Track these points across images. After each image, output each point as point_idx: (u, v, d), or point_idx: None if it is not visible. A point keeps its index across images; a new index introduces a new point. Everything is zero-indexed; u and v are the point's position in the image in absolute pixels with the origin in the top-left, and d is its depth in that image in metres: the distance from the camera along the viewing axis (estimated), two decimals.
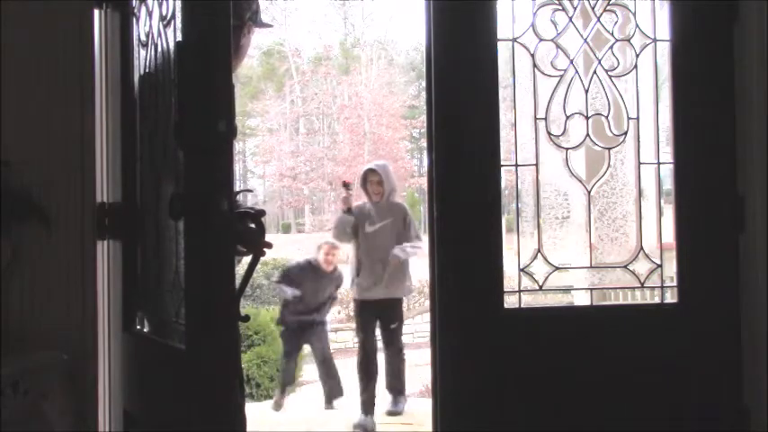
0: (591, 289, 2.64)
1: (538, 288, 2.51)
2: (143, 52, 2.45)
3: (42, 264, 2.43)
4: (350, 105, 23.98)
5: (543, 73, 2.50)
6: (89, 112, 2.49)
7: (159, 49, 2.30)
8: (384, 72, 25.09)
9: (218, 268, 2.05)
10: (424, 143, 17.92)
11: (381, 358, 5.29)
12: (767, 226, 2.47)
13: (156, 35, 2.33)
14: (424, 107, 2.62)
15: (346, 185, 5.16)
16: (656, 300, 2.58)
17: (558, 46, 2.51)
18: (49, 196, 2.42)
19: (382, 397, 5.25)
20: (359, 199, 5.33)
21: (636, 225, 2.58)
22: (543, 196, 2.56)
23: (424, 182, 17.45)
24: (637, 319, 2.57)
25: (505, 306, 2.45)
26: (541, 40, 2.50)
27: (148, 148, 2.43)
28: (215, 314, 2.05)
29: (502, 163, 2.45)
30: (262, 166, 26.01)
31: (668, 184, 2.57)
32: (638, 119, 2.54)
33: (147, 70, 2.41)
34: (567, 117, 2.51)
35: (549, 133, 2.51)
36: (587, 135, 2.52)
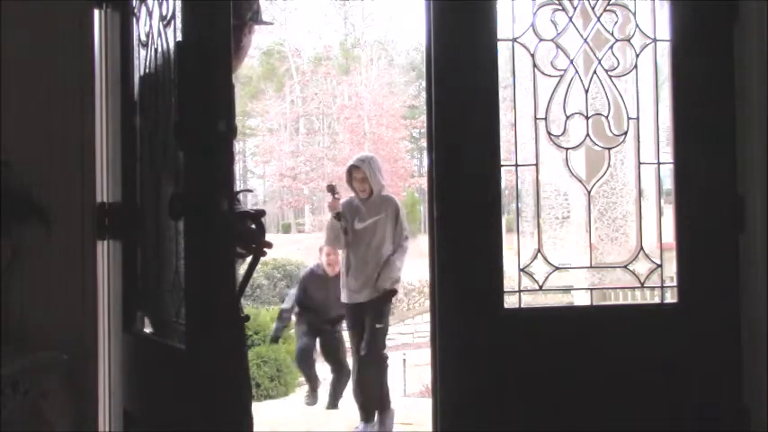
0: (591, 289, 2.64)
1: (538, 288, 2.51)
2: (143, 52, 2.45)
3: (42, 264, 2.43)
4: (350, 105, 24.00)
5: (543, 73, 2.50)
6: (89, 112, 2.49)
7: (159, 49, 2.30)
8: (384, 72, 25.10)
9: (218, 268, 2.05)
10: (423, 143, 17.92)
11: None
12: (767, 226, 2.47)
13: (156, 35, 2.33)
14: (424, 107, 2.62)
15: (332, 190, 4.87)
16: (656, 300, 2.58)
17: (558, 46, 2.51)
18: (49, 196, 2.42)
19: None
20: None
21: (636, 225, 2.58)
22: (543, 196, 2.56)
23: (424, 182, 17.47)
24: (637, 319, 2.57)
25: (505, 306, 2.45)
26: (541, 40, 2.50)
27: (148, 148, 2.43)
28: (215, 314, 2.05)
29: (502, 163, 2.45)
30: (262, 166, 26.04)
31: (668, 184, 2.57)
32: (638, 119, 2.54)
33: (147, 70, 2.41)
34: (567, 117, 2.51)
35: (549, 133, 2.51)
36: (587, 135, 2.52)
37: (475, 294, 2.43)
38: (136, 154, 2.52)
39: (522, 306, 2.51)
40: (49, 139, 2.46)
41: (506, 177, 2.50)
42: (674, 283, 2.54)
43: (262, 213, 2.26)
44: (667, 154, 2.56)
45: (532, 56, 2.49)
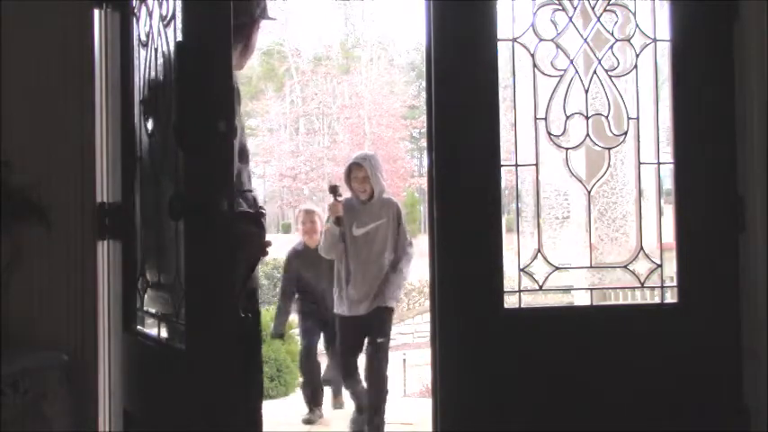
0: (591, 289, 2.64)
1: (538, 288, 2.51)
2: (143, 52, 2.45)
3: (42, 264, 2.43)
4: (350, 105, 24.00)
5: (543, 73, 2.50)
6: (89, 112, 2.49)
7: (159, 48, 2.30)
8: (384, 72, 25.10)
9: (219, 268, 2.05)
10: (424, 143, 17.92)
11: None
12: (767, 226, 2.47)
13: (156, 35, 2.33)
14: (424, 107, 2.62)
15: (334, 191, 4.40)
16: (656, 300, 2.58)
17: (558, 46, 2.50)
18: (49, 196, 2.42)
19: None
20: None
21: (636, 225, 2.58)
22: (543, 196, 2.55)
23: (424, 182, 17.47)
24: (637, 319, 2.57)
25: (505, 306, 2.45)
26: (541, 40, 2.50)
27: (148, 148, 2.42)
28: (215, 314, 2.06)
29: (502, 163, 2.44)
30: (262, 166, 26.03)
31: (668, 184, 2.57)
32: (638, 119, 2.54)
33: (147, 70, 2.41)
34: (567, 117, 2.51)
35: (549, 133, 2.51)
36: (587, 135, 2.52)
37: (475, 294, 2.43)
38: (136, 154, 2.52)
39: (522, 306, 2.51)
40: (49, 139, 2.46)
41: (506, 177, 2.49)
42: (674, 283, 2.54)
43: (261, 214, 2.26)
44: (667, 154, 2.56)
45: (532, 56, 2.49)
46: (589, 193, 2.55)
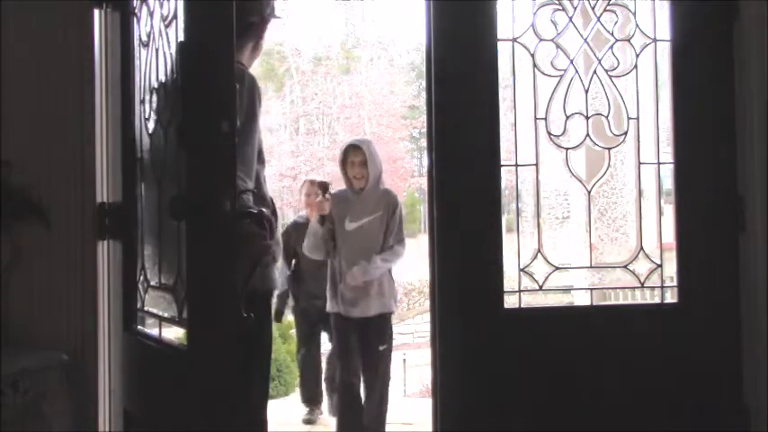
0: (591, 289, 2.64)
1: (538, 288, 2.50)
2: (144, 52, 2.45)
3: (42, 264, 2.44)
4: (350, 105, 23.99)
5: (543, 73, 2.50)
6: (89, 112, 2.49)
7: (161, 49, 2.30)
8: (384, 72, 25.08)
9: (221, 269, 2.05)
10: (423, 143, 17.91)
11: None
12: (767, 226, 2.47)
13: (157, 35, 2.33)
14: (424, 107, 2.62)
15: (324, 188, 3.91)
16: (656, 300, 2.57)
17: (558, 46, 2.50)
18: (49, 196, 2.42)
19: None
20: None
21: (636, 225, 2.58)
22: (543, 196, 2.55)
23: (424, 182, 17.45)
24: (637, 319, 2.57)
25: (505, 306, 2.45)
26: (541, 40, 2.50)
27: (149, 148, 2.42)
28: (217, 314, 2.06)
29: (502, 163, 2.44)
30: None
31: (668, 184, 2.57)
32: (638, 119, 2.54)
33: (148, 70, 2.41)
34: (567, 117, 2.51)
35: (549, 133, 2.51)
36: (587, 135, 2.52)
37: (475, 294, 2.43)
38: (136, 154, 2.52)
39: (522, 306, 2.51)
40: (50, 139, 2.46)
41: (506, 177, 2.49)
42: (674, 283, 2.54)
43: (263, 214, 2.26)
44: (667, 154, 2.56)
45: (532, 56, 2.49)
46: (589, 193, 2.55)
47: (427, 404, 2.65)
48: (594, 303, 2.67)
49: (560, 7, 2.51)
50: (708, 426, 2.46)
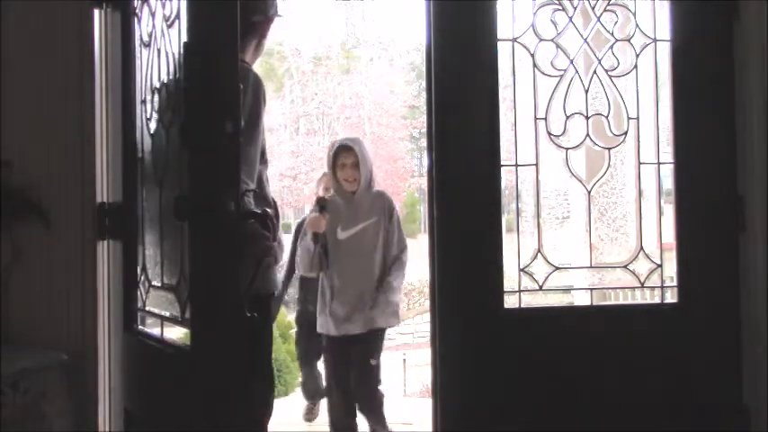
0: (591, 289, 2.64)
1: (538, 288, 2.50)
2: (145, 52, 2.45)
3: (42, 264, 2.44)
4: (350, 105, 23.99)
5: (543, 73, 2.50)
6: (89, 111, 2.49)
7: (162, 49, 2.30)
8: (384, 72, 25.07)
9: (224, 269, 2.05)
10: (423, 143, 17.90)
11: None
12: (767, 226, 2.47)
13: (158, 35, 2.33)
14: (424, 107, 2.62)
15: (322, 204, 3.55)
16: (656, 300, 2.58)
17: (558, 46, 2.50)
18: (49, 196, 2.42)
19: None
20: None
21: (636, 225, 2.58)
22: (543, 196, 2.55)
23: (424, 182, 17.44)
24: (637, 319, 2.57)
25: (505, 306, 2.45)
26: (541, 40, 2.50)
27: (150, 148, 2.42)
28: (220, 314, 2.06)
29: (502, 163, 2.44)
30: None
31: (668, 184, 2.57)
32: (638, 119, 2.54)
33: (149, 70, 2.41)
34: (567, 117, 2.51)
35: (549, 133, 2.51)
36: (587, 135, 2.52)
37: (475, 294, 2.43)
38: (136, 154, 2.52)
39: (522, 306, 2.51)
40: (50, 139, 2.46)
41: (506, 177, 2.49)
42: (674, 283, 2.54)
43: (267, 215, 2.26)
44: (667, 154, 2.56)
45: (532, 56, 2.49)
46: (589, 193, 2.55)
47: (427, 404, 2.65)
48: (594, 303, 2.67)
49: (560, 7, 2.51)
50: (708, 426, 2.46)
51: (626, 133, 2.54)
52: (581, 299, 2.95)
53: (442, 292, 2.43)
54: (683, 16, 2.53)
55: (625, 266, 2.57)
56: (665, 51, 2.55)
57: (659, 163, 2.56)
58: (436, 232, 2.43)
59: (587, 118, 2.51)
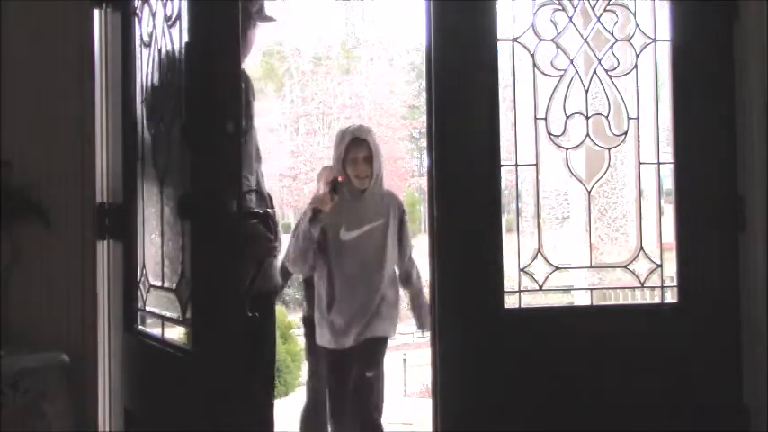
0: (591, 289, 2.64)
1: (538, 288, 2.50)
2: (146, 52, 2.45)
3: (42, 264, 2.44)
4: (350, 105, 23.98)
5: (543, 73, 2.50)
6: (89, 112, 2.49)
7: (163, 49, 2.30)
8: (384, 72, 25.07)
9: (226, 269, 2.05)
10: (423, 143, 17.90)
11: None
12: (767, 226, 2.47)
13: (159, 35, 2.33)
14: (424, 107, 2.62)
15: (335, 185, 3.16)
16: (656, 300, 2.58)
17: (558, 46, 2.50)
18: (49, 196, 2.42)
19: None
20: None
21: (636, 225, 2.58)
22: (543, 196, 2.55)
23: (424, 182, 17.44)
24: (637, 319, 2.57)
25: (505, 306, 2.45)
26: (541, 40, 2.50)
27: (151, 148, 2.43)
28: (221, 314, 2.06)
29: (502, 163, 2.44)
30: (262, 165, 25.98)
31: (668, 184, 2.57)
32: (638, 119, 2.54)
33: (150, 70, 2.41)
34: (567, 117, 2.51)
35: (549, 133, 2.51)
36: (587, 135, 2.52)
37: (475, 294, 2.43)
38: (136, 153, 2.52)
39: (522, 306, 2.51)
40: (50, 139, 2.46)
41: (506, 177, 2.49)
42: (674, 283, 2.54)
43: (269, 214, 2.26)
44: (667, 154, 2.56)
45: (532, 56, 2.49)
46: (589, 193, 2.55)
47: (427, 404, 2.66)
48: (594, 303, 2.67)
49: (560, 7, 2.51)
50: (708, 426, 2.46)
51: (626, 133, 2.54)
52: (581, 299, 2.95)
53: (442, 292, 2.43)
54: (683, 16, 2.53)
55: (625, 266, 2.57)
56: (665, 51, 2.55)
57: (659, 163, 2.56)
58: (436, 232, 2.43)
59: (587, 118, 2.51)
